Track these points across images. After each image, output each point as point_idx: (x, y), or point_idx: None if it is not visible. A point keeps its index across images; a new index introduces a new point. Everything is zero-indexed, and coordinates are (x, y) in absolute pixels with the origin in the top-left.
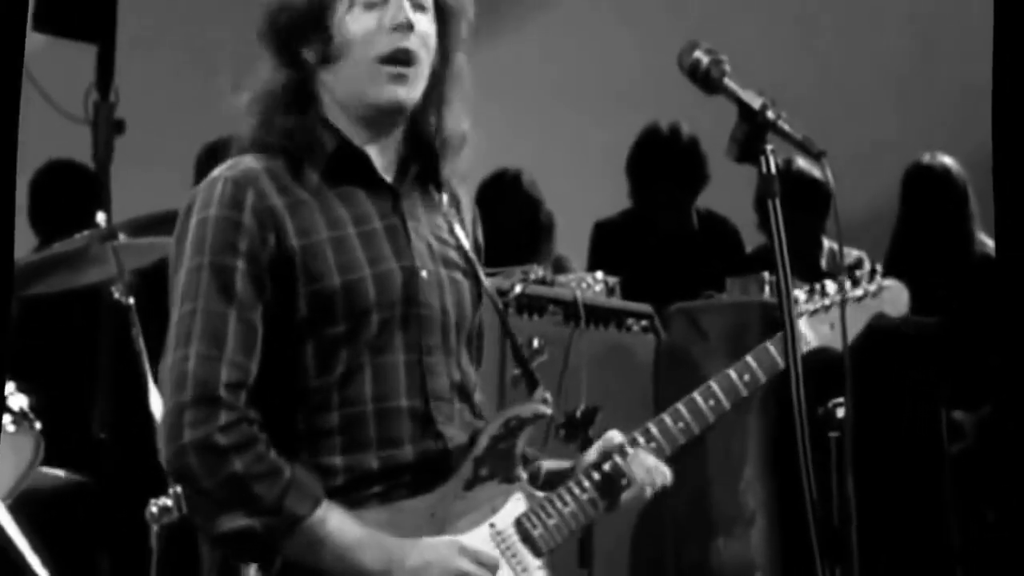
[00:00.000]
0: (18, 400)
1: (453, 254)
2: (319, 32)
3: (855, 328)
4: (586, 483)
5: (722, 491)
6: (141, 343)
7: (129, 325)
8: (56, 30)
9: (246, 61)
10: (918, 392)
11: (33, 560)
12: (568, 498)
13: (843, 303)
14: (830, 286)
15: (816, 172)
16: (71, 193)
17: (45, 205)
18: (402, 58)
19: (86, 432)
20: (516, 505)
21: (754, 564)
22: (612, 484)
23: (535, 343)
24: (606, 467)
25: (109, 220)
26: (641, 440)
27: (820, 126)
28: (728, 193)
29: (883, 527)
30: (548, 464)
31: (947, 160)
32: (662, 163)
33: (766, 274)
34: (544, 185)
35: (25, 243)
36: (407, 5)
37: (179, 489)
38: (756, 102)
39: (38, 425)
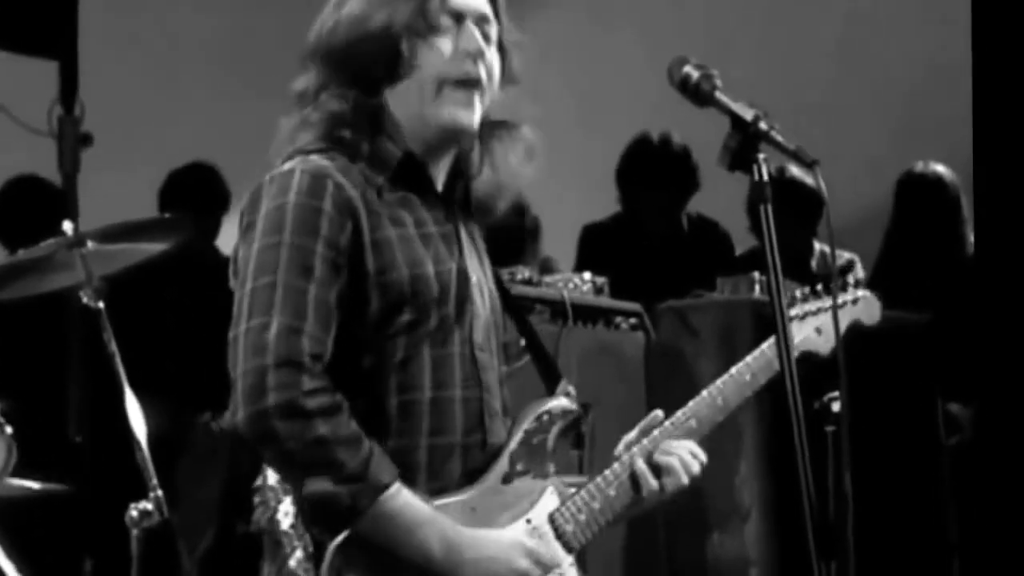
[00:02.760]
0: None
1: (487, 262)
2: (390, 53)
3: (833, 334)
4: (612, 478)
5: (717, 487)
6: (114, 346)
7: (100, 329)
8: (13, 47)
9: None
10: (914, 385)
11: (8, 566)
12: (596, 493)
13: (834, 303)
14: (817, 292)
15: (809, 180)
16: (37, 207)
17: (11, 219)
18: (472, 84)
19: (62, 436)
20: (550, 500)
21: (749, 560)
22: (634, 475)
23: (522, 341)
24: (628, 462)
25: (76, 228)
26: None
27: (813, 134)
28: (720, 195)
29: (880, 521)
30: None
31: (940, 168)
32: (652, 173)
33: (756, 274)
34: (531, 190)
35: None
36: (477, 33)
37: (160, 493)
38: (748, 114)
39: (9, 429)
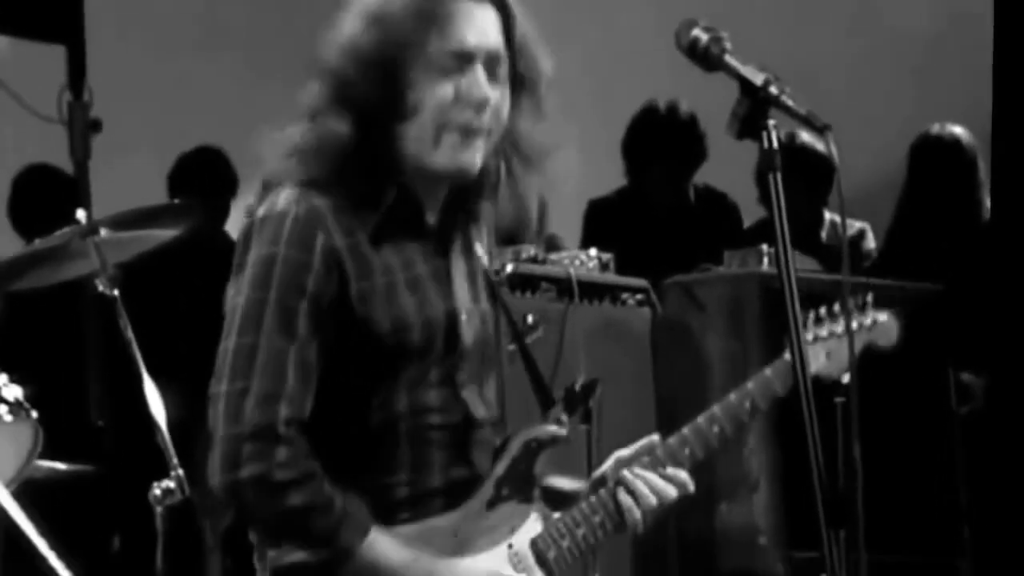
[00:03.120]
0: (12, 391)
1: (480, 279)
2: (392, 92)
3: (844, 358)
4: (597, 505)
5: (726, 456)
6: (130, 333)
7: (116, 316)
8: (20, 31)
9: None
10: (926, 354)
11: (40, 543)
12: (580, 519)
13: (845, 279)
14: (833, 313)
15: (819, 146)
16: (49, 196)
17: (25, 208)
18: (472, 133)
19: (84, 420)
20: (533, 526)
21: (758, 529)
22: (619, 505)
23: (529, 319)
24: (614, 491)
25: (89, 216)
26: (647, 460)
27: (826, 98)
28: (729, 167)
29: (890, 490)
30: (554, 481)
31: (957, 130)
32: (659, 142)
33: (765, 246)
34: None
35: (10, 244)
36: (483, 78)
37: (180, 472)
38: (758, 78)
39: (35, 414)
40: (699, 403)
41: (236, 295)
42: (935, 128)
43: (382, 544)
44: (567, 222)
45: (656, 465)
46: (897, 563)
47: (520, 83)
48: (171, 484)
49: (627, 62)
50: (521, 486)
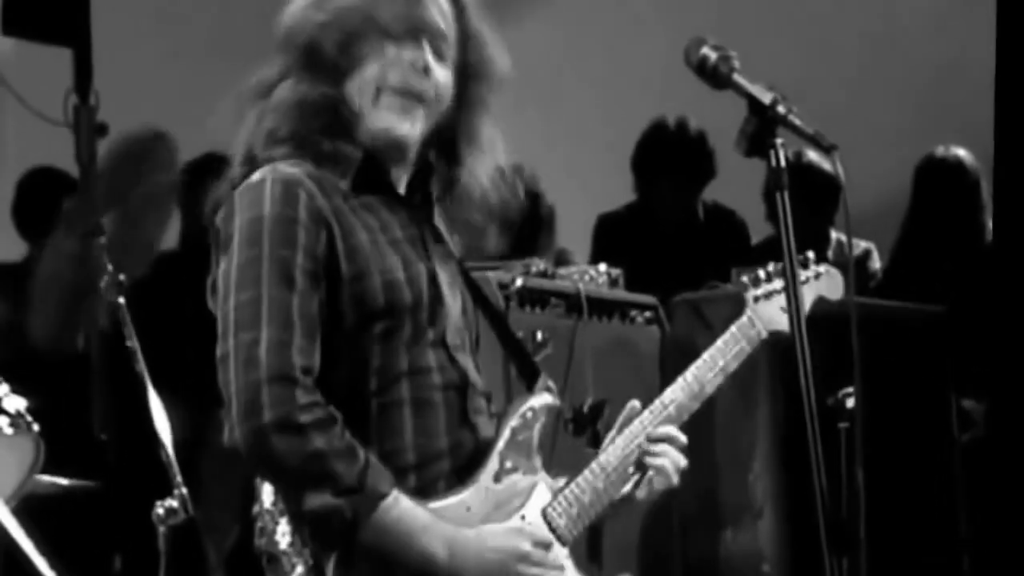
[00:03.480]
0: (14, 402)
1: (454, 263)
2: (342, 42)
3: (801, 312)
4: (599, 471)
5: (731, 483)
6: (135, 342)
7: (120, 324)
8: (26, 34)
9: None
10: (928, 380)
11: (40, 562)
12: (586, 487)
13: (850, 290)
14: (774, 270)
15: (826, 165)
16: (55, 198)
17: (30, 210)
18: (411, 95)
19: (87, 433)
20: (541, 496)
21: (762, 555)
22: (627, 476)
23: (539, 336)
24: (622, 450)
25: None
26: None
27: (831, 118)
28: (737, 183)
29: (893, 517)
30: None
31: (961, 152)
32: (668, 159)
33: (772, 264)
34: (546, 179)
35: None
36: (429, 52)
37: (184, 490)
38: (766, 97)
39: (36, 427)
40: (706, 423)
41: (228, 263)
42: (939, 150)
43: (404, 502)
44: (577, 236)
45: (647, 425)
46: None
47: (469, 74)
48: (174, 503)
49: (637, 77)
50: (524, 456)
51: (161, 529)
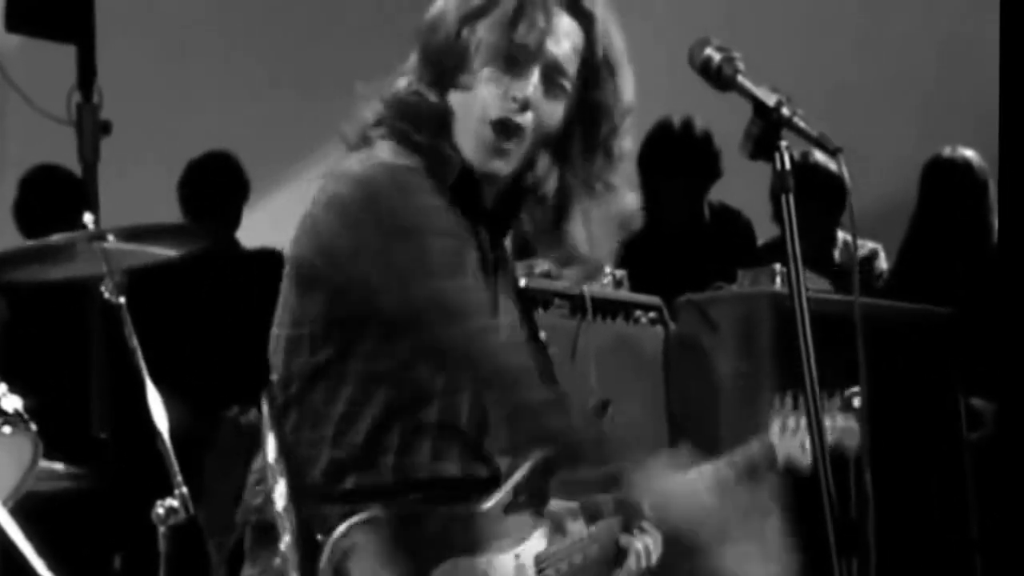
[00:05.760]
0: (12, 402)
1: (511, 289)
2: (459, 54)
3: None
4: (597, 536)
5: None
6: (135, 341)
7: (121, 324)
8: (30, 30)
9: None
10: (936, 380)
11: (38, 564)
12: (578, 550)
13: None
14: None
15: (833, 166)
16: (57, 197)
17: (31, 210)
18: (508, 129)
19: (86, 432)
20: (539, 542)
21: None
22: (619, 554)
23: (542, 336)
24: (613, 529)
25: (97, 222)
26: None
27: (838, 119)
28: (743, 183)
29: (901, 518)
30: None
31: (968, 153)
32: (673, 159)
33: (777, 266)
34: None
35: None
36: (538, 86)
37: (184, 490)
38: (771, 99)
39: (34, 426)
40: (711, 425)
41: (401, 240)
42: (947, 150)
43: None
44: None
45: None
46: None
47: (588, 109)
48: (175, 503)
49: (643, 77)
50: (536, 498)
51: (161, 529)
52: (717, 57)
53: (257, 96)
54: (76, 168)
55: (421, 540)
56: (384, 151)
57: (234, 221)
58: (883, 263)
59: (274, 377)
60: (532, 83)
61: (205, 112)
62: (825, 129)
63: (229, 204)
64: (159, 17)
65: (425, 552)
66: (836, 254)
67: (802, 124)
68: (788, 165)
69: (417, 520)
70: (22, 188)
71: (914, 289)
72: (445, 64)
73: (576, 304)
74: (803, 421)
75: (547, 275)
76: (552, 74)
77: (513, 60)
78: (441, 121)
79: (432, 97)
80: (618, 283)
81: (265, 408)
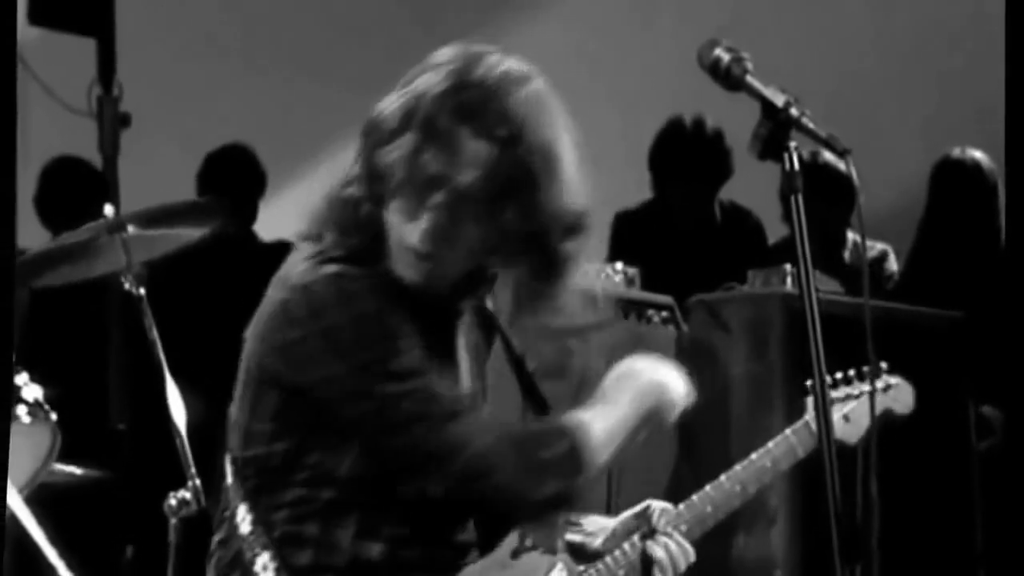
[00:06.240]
0: (32, 391)
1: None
2: (381, 186)
3: (864, 423)
4: (622, 560)
5: None
6: (155, 333)
7: (141, 316)
8: (52, 23)
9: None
10: (945, 387)
11: (50, 552)
12: (605, 573)
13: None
14: (849, 377)
15: (842, 167)
16: (78, 189)
17: (52, 202)
18: (422, 256)
19: (103, 424)
20: (558, 575)
21: (775, 562)
22: (645, 564)
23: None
24: (639, 547)
25: (117, 212)
26: (671, 525)
27: (847, 120)
28: (754, 182)
29: (907, 526)
30: (590, 520)
31: (978, 154)
32: (685, 157)
33: (788, 266)
34: None
35: (38, 237)
36: (442, 214)
37: (197, 482)
38: (779, 99)
39: (54, 416)
40: (721, 425)
41: (346, 354)
42: (956, 152)
43: None
44: (594, 235)
45: (680, 523)
46: None
47: (519, 219)
48: (187, 495)
49: (654, 76)
50: (545, 535)
51: (173, 520)
52: (726, 58)
53: (275, 89)
54: (96, 160)
55: None
56: (330, 255)
57: (251, 214)
58: (893, 264)
59: (235, 454)
60: (436, 213)
61: (224, 105)
62: (833, 130)
63: (246, 197)
64: (179, 10)
65: None
66: (846, 255)
67: (811, 125)
68: (797, 166)
69: None
70: (42, 180)
71: (924, 291)
72: (371, 183)
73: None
74: (837, 393)
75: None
76: (462, 202)
77: (417, 187)
78: (375, 232)
79: (365, 208)
80: (630, 281)
81: (231, 480)
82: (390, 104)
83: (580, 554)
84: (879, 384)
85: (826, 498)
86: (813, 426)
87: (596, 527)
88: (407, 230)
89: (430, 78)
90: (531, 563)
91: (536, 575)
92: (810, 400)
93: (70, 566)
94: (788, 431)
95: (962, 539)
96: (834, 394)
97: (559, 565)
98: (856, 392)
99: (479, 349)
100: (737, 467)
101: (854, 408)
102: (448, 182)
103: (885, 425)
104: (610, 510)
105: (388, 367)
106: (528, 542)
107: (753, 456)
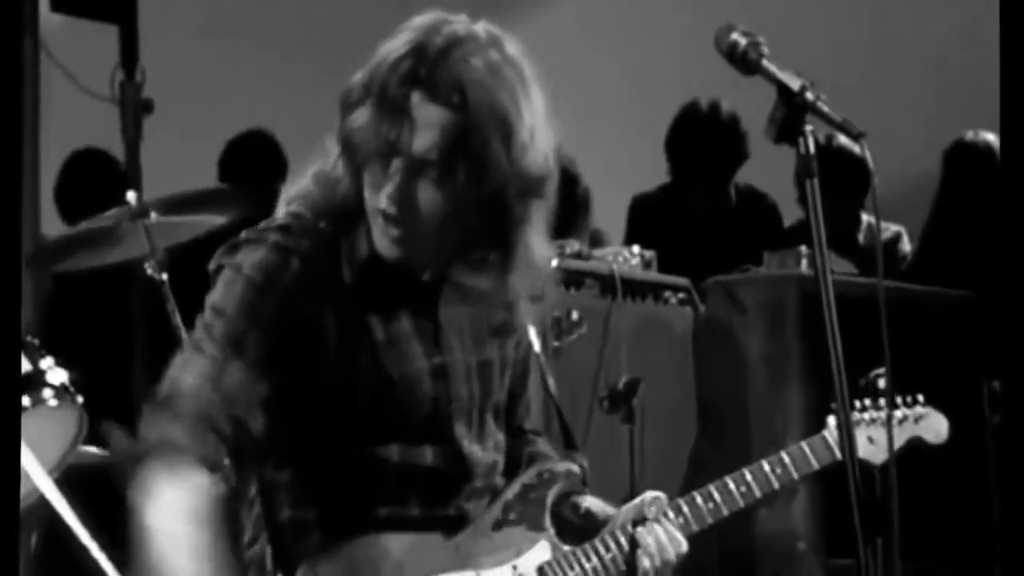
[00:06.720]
0: (58, 375)
1: (487, 328)
2: (354, 155)
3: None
4: (611, 543)
5: None
6: (178, 318)
7: (164, 301)
8: (74, 10)
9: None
10: (959, 363)
11: (82, 532)
12: (592, 553)
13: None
14: (878, 404)
15: (856, 150)
16: (98, 183)
17: (73, 195)
18: (387, 218)
19: (129, 407)
20: (540, 553)
21: (797, 534)
22: (631, 549)
23: (574, 315)
24: (630, 532)
25: (140, 198)
26: (671, 515)
27: (861, 102)
28: (769, 165)
29: (924, 498)
30: (591, 503)
31: (990, 136)
32: (701, 141)
33: (803, 248)
34: (583, 161)
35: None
36: (403, 179)
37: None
38: (795, 83)
39: (80, 399)
40: (740, 404)
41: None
42: (969, 134)
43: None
44: (611, 218)
45: (679, 516)
46: (932, 570)
47: (479, 182)
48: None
49: (670, 60)
50: (531, 513)
51: None
52: (743, 42)
53: (297, 75)
54: (119, 147)
55: (388, 564)
56: (280, 234)
57: (272, 200)
58: (906, 245)
59: None
60: (397, 178)
61: (246, 91)
62: (847, 113)
63: (267, 183)
64: None
65: (394, 574)
66: (860, 237)
67: (825, 108)
68: (812, 149)
69: (379, 546)
70: (63, 172)
71: (937, 271)
72: (345, 155)
73: (607, 284)
74: (865, 416)
75: (577, 255)
76: (417, 166)
77: (380, 155)
78: (354, 206)
79: (347, 182)
80: (647, 264)
81: None
82: (357, 75)
83: (572, 535)
84: (911, 412)
85: (845, 471)
86: (831, 440)
87: (597, 510)
88: (376, 198)
89: (390, 46)
90: (512, 537)
91: (514, 550)
92: (831, 418)
93: (102, 546)
94: (804, 443)
95: (978, 511)
96: (864, 416)
97: (541, 542)
98: (881, 416)
99: (478, 327)
100: (746, 471)
101: (877, 431)
102: (405, 148)
103: (913, 448)
104: (633, 491)
105: (215, 331)
106: (512, 516)
107: (764, 462)
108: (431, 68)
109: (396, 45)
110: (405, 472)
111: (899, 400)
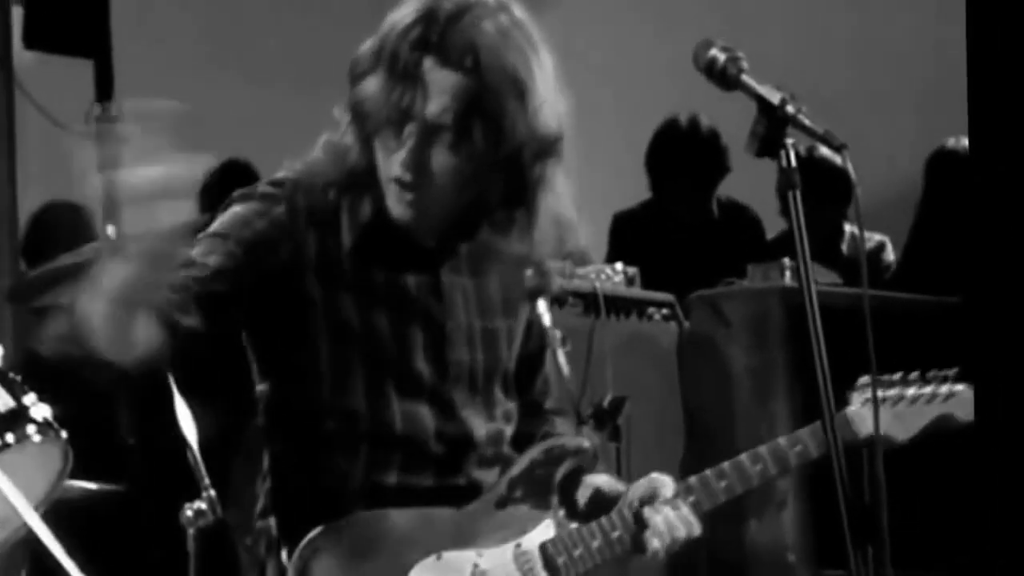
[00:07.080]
0: (41, 410)
1: (494, 294)
2: (364, 123)
3: (918, 424)
4: (618, 522)
5: None
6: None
7: None
8: (47, 47)
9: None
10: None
11: (71, 566)
12: (598, 532)
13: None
14: (915, 379)
15: (838, 161)
16: (67, 235)
17: (41, 246)
18: (401, 185)
19: (113, 438)
20: (545, 531)
21: (786, 546)
22: (639, 529)
23: (558, 335)
24: (638, 512)
25: (119, 232)
26: (681, 494)
27: (842, 112)
28: (751, 177)
29: (915, 506)
30: (601, 480)
31: None
32: (681, 156)
33: (787, 260)
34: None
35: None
36: (418, 145)
37: (212, 492)
38: (775, 97)
39: (64, 434)
40: (726, 418)
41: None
42: (950, 142)
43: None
44: (593, 235)
45: (689, 495)
46: None
47: (494, 144)
48: (203, 505)
49: (650, 76)
50: (537, 490)
51: (190, 531)
52: (722, 57)
53: (275, 104)
54: (96, 180)
55: (390, 539)
56: (271, 186)
57: None
58: (890, 255)
59: None
60: (411, 143)
61: (223, 121)
62: (828, 125)
63: None
64: (176, 31)
65: (396, 548)
66: (844, 247)
67: (806, 121)
68: (794, 162)
69: (383, 521)
70: (32, 225)
71: (922, 279)
72: (356, 124)
73: (590, 303)
74: (892, 392)
75: (560, 274)
76: (431, 131)
77: (393, 122)
78: (364, 176)
79: (356, 150)
80: (630, 280)
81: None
82: (365, 44)
83: (580, 513)
84: (941, 390)
85: (834, 481)
86: (849, 416)
87: (607, 488)
88: (389, 165)
89: (398, 15)
90: (517, 514)
91: (520, 525)
92: (855, 394)
93: None
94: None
95: (968, 518)
96: (890, 392)
97: (547, 520)
98: (908, 395)
99: (485, 296)
100: (762, 448)
101: (904, 410)
102: (418, 113)
103: (941, 430)
104: None
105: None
106: (518, 494)
107: (780, 439)
108: (442, 33)
109: (405, 12)
110: (407, 438)
111: (928, 376)
